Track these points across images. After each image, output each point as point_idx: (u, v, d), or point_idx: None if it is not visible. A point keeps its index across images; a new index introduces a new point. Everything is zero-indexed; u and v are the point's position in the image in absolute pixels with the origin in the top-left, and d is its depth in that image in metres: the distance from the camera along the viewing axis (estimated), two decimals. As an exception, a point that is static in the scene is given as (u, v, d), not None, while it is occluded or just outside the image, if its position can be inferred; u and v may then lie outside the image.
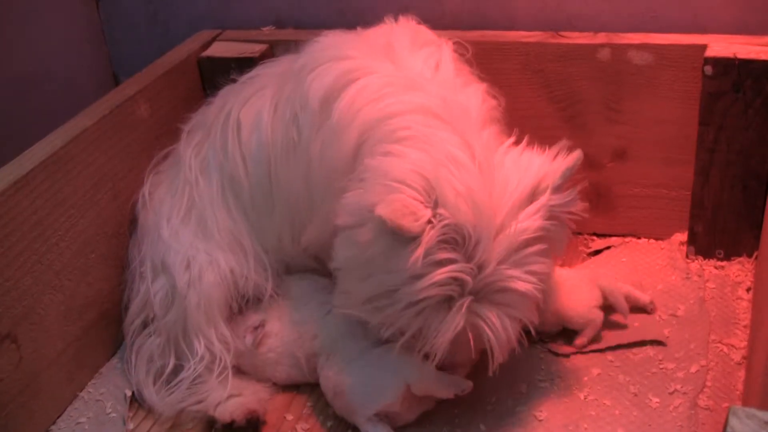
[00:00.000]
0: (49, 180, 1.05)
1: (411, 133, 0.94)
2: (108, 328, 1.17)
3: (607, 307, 1.12)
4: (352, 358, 1.01)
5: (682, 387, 1.03)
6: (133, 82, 1.25)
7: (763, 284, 1.05)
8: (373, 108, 0.97)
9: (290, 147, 1.07)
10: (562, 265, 1.25)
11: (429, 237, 0.84)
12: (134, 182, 1.19)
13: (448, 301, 0.88)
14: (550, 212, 0.91)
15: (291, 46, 1.22)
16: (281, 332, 1.08)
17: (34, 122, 1.22)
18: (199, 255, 1.10)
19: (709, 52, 1.15)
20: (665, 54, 1.19)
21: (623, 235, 1.32)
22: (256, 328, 1.08)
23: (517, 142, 0.96)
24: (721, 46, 1.16)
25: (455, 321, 0.87)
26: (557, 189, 0.91)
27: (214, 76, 1.32)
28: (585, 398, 1.03)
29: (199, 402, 1.05)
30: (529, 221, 0.89)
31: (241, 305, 1.11)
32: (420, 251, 0.84)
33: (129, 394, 1.09)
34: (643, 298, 1.15)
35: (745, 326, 1.11)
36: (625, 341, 1.10)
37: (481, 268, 0.87)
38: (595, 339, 1.11)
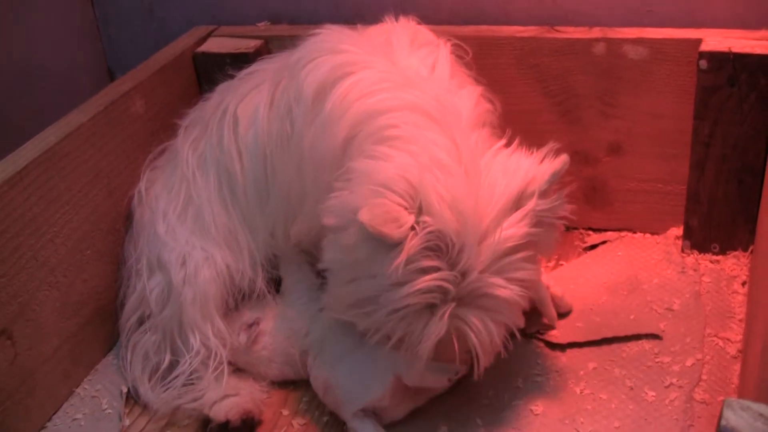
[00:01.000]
0: (43, 176, 1.04)
1: (399, 133, 0.93)
2: (104, 325, 1.17)
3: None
4: (343, 354, 1.01)
5: (677, 380, 1.03)
6: (128, 78, 1.25)
7: (759, 278, 1.05)
8: (365, 102, 0.97)
9: (285, 140, 1.06)
10: (557, 261, 1.25)
11: (412, 244, 0.84)
12: (129, 178, 1.19)
13: (431, 308, 0.87)
14: (537, 218, 0.90)
15: (286, 42, 1.22)
16: (274, 330, 1.08)
17: (28, 118, 1.22)
18: (195, 252, 1.09)
19: (704, 47, 1.15)
20: (660, 48, 1.19)
21: (619, 230, 1.32)
22: (250, 325, 1.08)
23: (508, 144, 0.96)
24: (716, 40, 1.16)
25: (438, 328, 0.87)
26: (544, 194, 0.90)
27: (209, 71, 1.31)
28: (581, 392, 1.03)
29: (195, 400, 1.05)
30: (514, 228, 0.88)
31: (237, 301, 1.11)
32: (402, 258, 0.83)
33: (125, 390, 1.09)
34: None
35: (740, 320, 1.12)
36: (621, 335, 1.10)
37: (464, 275, 0.86)
38: (561, 308, 1.12)
